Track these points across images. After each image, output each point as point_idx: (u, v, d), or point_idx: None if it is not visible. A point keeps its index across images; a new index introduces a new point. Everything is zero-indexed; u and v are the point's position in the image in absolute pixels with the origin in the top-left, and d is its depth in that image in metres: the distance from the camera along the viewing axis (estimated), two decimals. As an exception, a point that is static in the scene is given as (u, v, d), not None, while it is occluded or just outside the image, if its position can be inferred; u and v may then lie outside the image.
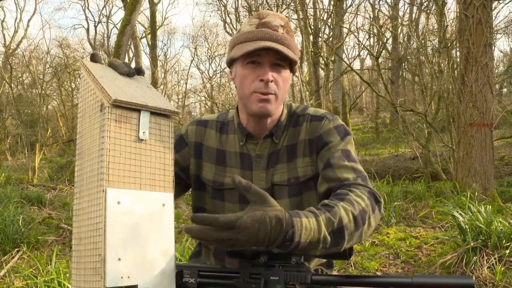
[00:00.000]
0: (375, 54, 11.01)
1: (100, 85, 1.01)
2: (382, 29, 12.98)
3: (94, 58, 1.13)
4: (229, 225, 0.92)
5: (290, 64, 1.28)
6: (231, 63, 1.33)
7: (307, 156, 1.32)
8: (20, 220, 4.98)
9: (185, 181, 1.42)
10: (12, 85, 15.61)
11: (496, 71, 15.97)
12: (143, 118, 1.03)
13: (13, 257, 4.43)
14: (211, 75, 26.40)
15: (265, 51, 1.23)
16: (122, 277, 0.95)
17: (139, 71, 1.16)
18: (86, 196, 1.02)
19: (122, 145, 1.00)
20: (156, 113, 1.06)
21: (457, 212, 3.88)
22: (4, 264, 4.13)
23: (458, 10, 6.65)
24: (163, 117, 1.07)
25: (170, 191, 1.06)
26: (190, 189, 1.47)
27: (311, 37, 11.59)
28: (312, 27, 13.70)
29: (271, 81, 1.24)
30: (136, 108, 1.02)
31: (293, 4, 11.82)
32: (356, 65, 23.65)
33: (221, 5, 21.68)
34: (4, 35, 25.14)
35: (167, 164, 1.07)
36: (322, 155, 1.29)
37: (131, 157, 1.01)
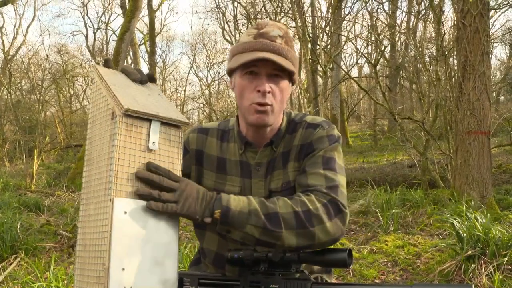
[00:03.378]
0: (373, 61, 11.04)
1: (112, 92, 1.01)
2: (380, 37, 13.03)
3: (107, 63, 1.13)
4: (177, 176, 1.07)
5: (288, 74, 1.29)
6: (230, 72, 1.34)
7: (297, 161, 1.33)
8: (18, 227, 4.97)
9: None
10: (11, 91, 15.60)
11: (493, 79, 16.04)
12: (153, 128, 1.03)
13: (10, 264, 4.42)
14: (209, 82, 26.44)
15: (262, 62, 1.24)
16: (125, 287, 0.95)
17: (151, 78, 1.16)
18: (93, 204, 1.02)
19: (132, 154, 1.00)
20: (166, 123, 1.05)
21: (455, 220, 3.89)
22: (1, 271, 4.11)
23: (455, 19, 6.69)
24: (173, 127, 1.07)
25: None
26: None
27: (309, 45, 11.63)
28: (310, 34, 13.75)
29: (268, 92, 1.25)
30: (147, 118, 1.02)
31: (291, 12, 11.88)
32: (354, 72, 23.71)
33: (220, 13, 21.78)
34: (3, 41, 25.17)
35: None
36: (305, 161, 1.30)
37: (140, 167, 1.01)
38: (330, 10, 15.82)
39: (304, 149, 1.32)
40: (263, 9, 17.05)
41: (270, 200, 1.14)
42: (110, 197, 0.96)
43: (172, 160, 1.07)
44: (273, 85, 1.26)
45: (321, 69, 12.88)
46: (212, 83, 25.81)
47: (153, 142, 1.03)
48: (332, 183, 1.22)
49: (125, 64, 6.96)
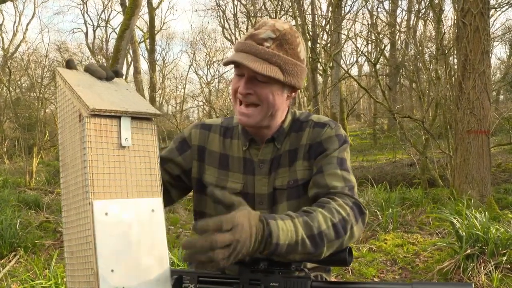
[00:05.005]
0: (373, 60, 11.04)
1: (76, 94, 0.99)
2: (380, 36, 13.03)
3: (69, 64, 1.11)
4: (230, 222, 0.91)
5: (275, 79, 1.23)
6: None
7: (306, 160, 1.33)
8: (17, 224, 4.97)
9: (186, 184, 1.42)
10: (10, 88, 15.59)
11: (493, 78, 16.04)
12: (124, 124, 1.01)
13: (10, 261, 4.42)
14: (209, 80, 26.44)
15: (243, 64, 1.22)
16: None
17: (116, 73, 1.15)
18: (73, 209, 1.01)
19: (105, 154, 0.98)
20: (137, 117, 1.03)
21: (455, 218, 3.89)
22: (1, 268, 4.11)
23: (455, 18, 6.69)
24: (145, 121, 1.05)
25: (158, 195, 1.05)
26: (191, 193, 1.47)
27: (309, 43, 11.62)
28: (311, 33, 13.74)
29: (248, 94, 1.24)
30: (115, 115, 1.00)
31: (291, 10, 11.86)
32: (354, 71, 23.73)
33: (220, 11, 21.75)
34: (2, 38, 25.12)
35: (153, 168, 1.05)
36: (318, 160, 1.30)
37: (115, 166, 0.99)
38: (330, 9, 15.79)
39: (313, 148, 1.33)
40: (263, 7, 17.05)
41: (311, 216, 1.08)
42: (88, 201, 0.94)
43: (148, 154, 1.05)
44: (256, 88, 1.24)
45: (321, 68, 12.88)
46: (212, 81, 25.82)
47: (126, 139, 1.01)
48: (350, 184, 1.24)
49: (119, 62, 6.94)
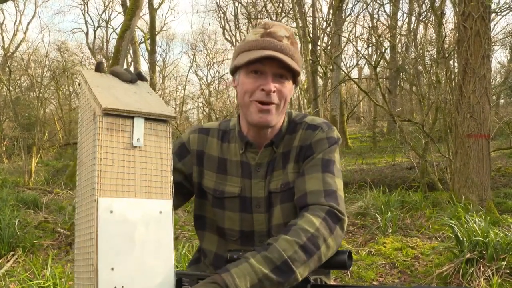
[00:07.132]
0: (373, 63, 11.05)
1: (93, 94, 1.01)
2: (381, 39, 13.04)
3: (98, 67, 1.13)
4: None
5: (293, 75, 1.28)
6: (234, 71, 1.33)
7: (296, 163, 1.33)
8: (16, 224, 4.95)
9: (188, 189, 1.41)
10: (10, 88, 15.58)
11: (493, 82, 16.05)
12: (137, 125, 1.01)
13: (8, 261, 4.40)
14: (209, 81, 26.46)
15: (269, 61, 1.23)
16: (115, 287, 0.94)
17: (140, 77, 1.16)
18: (83, 206, 1.02)
19: (115, 153, 0.99)
20: (151, 118, 1.03)
21: (454, 222, 3.89)
22: (-1, 268, 4.10)
23: (456, 21, 6.70)
24: (159, 123, 1.05)
25: (168, 197, 1.04)
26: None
27: (309, 46, 11.63)
28: (311, 35, 13.75)
29: (273, 91, 1.24)
30: (128, 115, 1.00)
31: (292, 12, 11.87)
32: (354, 74, 23.74)
33: (221, 12, 21.80)
34: (3, 37, 25.14)
35: (164, 170, 1.05)
36: (305, 164, 1.30)
37: (125, 165, 1.00)
38: (331, 11, 15.83)
39: (303, 150, 1.32)
40: (264, 9, 17.07)
41: (270, 248, 1.07)
42: (94, 198, 0.95)
43: (160, 156, 1.04)
44: (278, 85, 1.26)
45: (321, 70, 12.88)
46: (212, 82, 25.84)
47: (138, 139, 1.01)
48: (329, 188, 1.22)
49: (119, 62, 6.97)
